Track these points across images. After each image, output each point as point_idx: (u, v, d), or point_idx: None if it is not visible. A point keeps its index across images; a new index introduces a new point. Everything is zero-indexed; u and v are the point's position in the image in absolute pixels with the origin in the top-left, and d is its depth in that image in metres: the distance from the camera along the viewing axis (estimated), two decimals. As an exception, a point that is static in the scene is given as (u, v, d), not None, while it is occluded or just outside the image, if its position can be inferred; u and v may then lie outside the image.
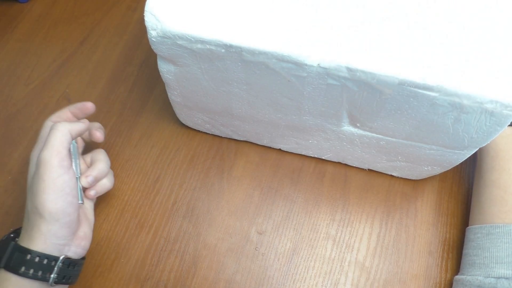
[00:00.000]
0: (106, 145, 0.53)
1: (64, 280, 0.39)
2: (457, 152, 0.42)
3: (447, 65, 0.34)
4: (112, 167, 0.52)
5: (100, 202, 0.49)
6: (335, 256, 0.47)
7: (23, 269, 0.36)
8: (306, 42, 0.35)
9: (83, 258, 0.42)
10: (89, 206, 0.44)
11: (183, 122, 0.53)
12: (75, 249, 0.40)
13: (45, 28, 0.62)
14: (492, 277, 0.40)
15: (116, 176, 0.51)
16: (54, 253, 0.38)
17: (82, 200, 0.42)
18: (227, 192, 0.51)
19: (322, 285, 0.46)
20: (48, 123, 0.44)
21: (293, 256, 0.47)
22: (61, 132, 0.39)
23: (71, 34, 0.61)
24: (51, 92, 0.57)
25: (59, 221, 0.37)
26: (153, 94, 0.57)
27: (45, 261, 0.37)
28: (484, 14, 0.36)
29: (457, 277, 0.44)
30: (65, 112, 0.45)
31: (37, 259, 0.36)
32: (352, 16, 0.36)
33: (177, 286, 0.46)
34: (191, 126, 0.54)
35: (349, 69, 0.34)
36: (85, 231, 0.41)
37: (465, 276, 0.43)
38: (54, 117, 0.45)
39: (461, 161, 0.44)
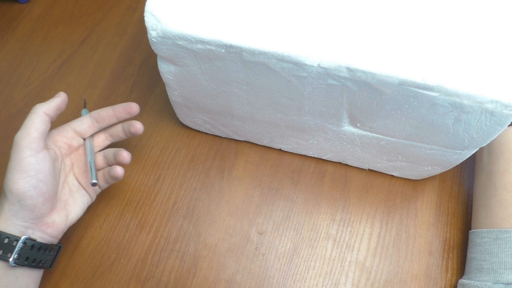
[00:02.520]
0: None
1: (34, 264, 0.39)
2: (457, 152, 0.42)
3: (447, 65, 0.34)
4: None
5: (100, 202, 0.49)
6: (335, 256, 0.47)
7: None
8: (306, 42, 0.35)
9: (58, 245, 0.42)
10: (75, 200, 0.44)
11: (183, 122, 0.53)
12: (41, 234, 0.40)
13: (45, 28, 0.62)
14: (501, 283, 0.39)
15: (116, 176, 0.51)
16: (15, 233, 0.38)
17: (96, 179, 0.43)
18: (227, 192, 0.51)
19: (322, 285, 0.46)
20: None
21: (293, 256, 0.47)
22: (35, 114, 0.39)
23: (71, 34, 0.61)
24: (51, 92, 0.57)
25: (20, 202, 0.38)
26: (153, 94, 0.57)
27: (6, 240, 0.37)
28: (484, 14, 0.36)
29: (463, 281, 0.44)
30: (107, 110, 0.46)
31: (5, 240, 0.37)
32: (352, 16, 0.36)
33: (178, 286, 0.46)
34: (191, 126, 0.54)
35: (349, 69, 0.34)
36: (55, 220, 0.41)
37: (472, 281, 0.42)
38: (95, 113, 0.46)
39: (461, 161, 0.43)
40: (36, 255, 0.39)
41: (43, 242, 0.40)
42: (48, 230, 0.40)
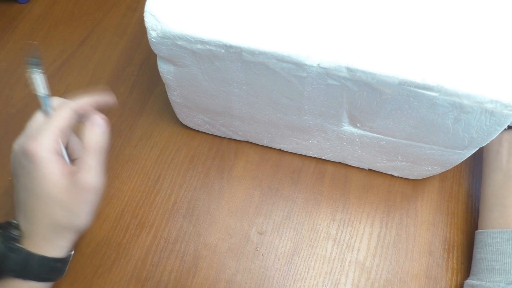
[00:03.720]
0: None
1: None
2: (457, 152, 0.42)
3: (447, 65, 0.34)
4: (113, 167, 0.52)
5: (100, 202, 0.49)
6: (335, 256, 0.47)
7: (46, 275, 0.37)
8: (306, 42, 0.35)
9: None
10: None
11: (183, 122, 0.53)
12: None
13: (45, 28, 0.62)
14: None
15: (116, 176, 0.51)
16: (63, 255, 0.38)
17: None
18: (227, 192, 0.51)
19: (322, 285, 0.46)
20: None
21: (293, 256, 0.47)
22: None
23: (71, 34, 0.61)
24: (51, 92, 0.57)
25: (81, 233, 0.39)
26: (153, 95, 0.57)
27: (65, 264, 0.39)
28: (484, 14, 0.36)
29: (472, 282, 0.43)
30: (88, 100, 0.39)
31: (59, 265, 0.38)
32: (352, 16, 0.36)
33: (178, 286, 0.46)
34: (191, 126, 0.54)
35: (349, 69, 0.34)
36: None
37: (483, 282, 0.41)
38: (75, 105, 0.38)
39: (461, 161, 0.43)
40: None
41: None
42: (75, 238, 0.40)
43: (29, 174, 0.35)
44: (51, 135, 0.35)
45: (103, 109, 0.41)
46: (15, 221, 0.38)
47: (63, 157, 0.37)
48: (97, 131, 0.38)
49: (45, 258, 0.36)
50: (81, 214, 0.37)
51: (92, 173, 0.36)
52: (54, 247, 0.37)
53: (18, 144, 0.36)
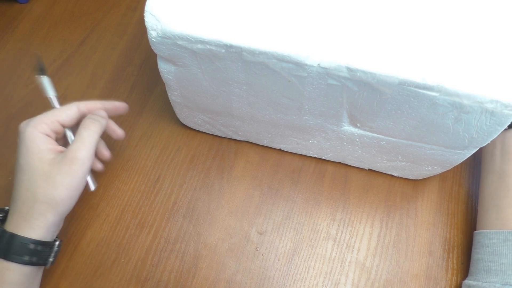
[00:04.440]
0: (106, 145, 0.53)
1: (53, 260, 0.41)
2: (457, 152, 0.42)
3: (447, 65, 0.34)
4: (113, 167, 0.52)
5: (100, 202, 0.49)
6: (335, 256, 0.47)
7: (27, 258, 0.37)
8: (306, 42, 0.35)
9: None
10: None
11: (183, 122, 0.53)
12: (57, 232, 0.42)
13: (45, 28, 0.62)
14: (510, 285, 0.39)
15: (116, 176, 0.51)
16: (49, 239, 0.39)
17: (94, 186, 0.42)
18: (227, 192, 0.51)
19: (322, 285, 0.46)
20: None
21: (293, 256, 0.47)
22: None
23: (71, 34, 0.61)
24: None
25: (65, 213, 0.39)
26: (153, 94, 0.57)
27: (45, 248, 0.39)
28: (484, 14, 0.36)
29: (469, 282, 0.43)
30: (96, 104, 0.43)
31: (39, 248, 0.38)
32: (352, 16, 0.36)
33: (178, 286, 0.46)
34: (191, 126, 0.54)
35: (349, 69, 0.34)
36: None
37: (480, 282, 0.41)
38: (82, 105, 0.42)
39: (461, 161, 0.43)
40: (56, 253, 0.41)
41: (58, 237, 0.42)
42: (61, 226, 0.41)
43: (19, 150, 0.38)
44: (44, 119, 0.39)
45: (113, 116, 0.45)
46: (7, 207, 0.40)
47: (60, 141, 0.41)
48: (97, 114, 0.42)
49: (23, 238, 0.37)
50: (60, 185, 0.37)
51: (81, 145, 0.38)
52: (32, 226, 0.37)
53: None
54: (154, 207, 0.50)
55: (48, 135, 0.39)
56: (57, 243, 0.40)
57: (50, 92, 0.43)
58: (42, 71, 0.43)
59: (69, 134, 0.42)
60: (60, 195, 0.37)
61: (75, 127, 0.42)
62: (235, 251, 0.47)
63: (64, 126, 0.41)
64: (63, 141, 0.42)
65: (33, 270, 0.39)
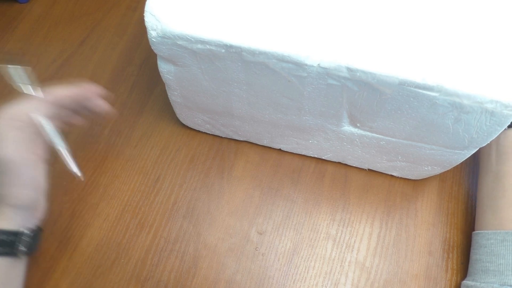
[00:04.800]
0: (106, 145, 0.53)
1: (30, 252, 0.40)
2: (457, 152, 0.42)
3: (447, 65, 0.34)
4: (113, 167, 0.52)
5: (100, 202, 0.49)
6: (335, 256, 0.47)
7: None
8: (306, 42, 0.35)
9: (40, 229, 0.42)
10: (40, 173, 0.39)
11: (183, 122, 0.53)
12: (34, 221, 0.40)
13: (45, 28, 0.62)
14: (508, 285, 0.39)
15: (116, 176, 0.51)
16: (12, 227, 0.38)
17: (81, 173, 0.39)
18: (227, 192, 0.51)
19: (322, 285, 0.46)
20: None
21: (293, 256, 0.47)
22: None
23: (71, 34, 0.61)
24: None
25: (26, 209, 0.38)
26: (153, 94, 0.57)
27: (12, 237, 0.38)
28: (484, 14, 0.36)
29: (467, 283, 0.43)
30: (64, 91, 0.40)
31: (4, 237, 0.37)
32: (352, 16, 0.36)
33: (178, 286, 0.46)
34: (191, 126, 0.54)
35: (349, 69, 0.34)
36: (41, 203, 0.40)
37: (478, 283, 0.42)
38: (49, 95, 0.40)
39: (461, 161, 0.43)
40: (32, 242, 0.40)
41: (36, 228, 0.41)
42: (38, 215, 0.40)
43: None
44: (14, 105, 0.38)
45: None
46: None
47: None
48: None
49: None
50: (9, 144, 0.36)
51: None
52: None
53: None
54: (154, 207, 0.50)
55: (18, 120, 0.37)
56: (26, 232, 0.38)
57: (20, 80, 0.40)
58: (12, 61, 0.40)
59: (48, 126, 0.39)
60: (6, 155, 0.36)
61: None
62: (235, 251, 0.47)
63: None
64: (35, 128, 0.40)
65: (4, 262, 0.37)
